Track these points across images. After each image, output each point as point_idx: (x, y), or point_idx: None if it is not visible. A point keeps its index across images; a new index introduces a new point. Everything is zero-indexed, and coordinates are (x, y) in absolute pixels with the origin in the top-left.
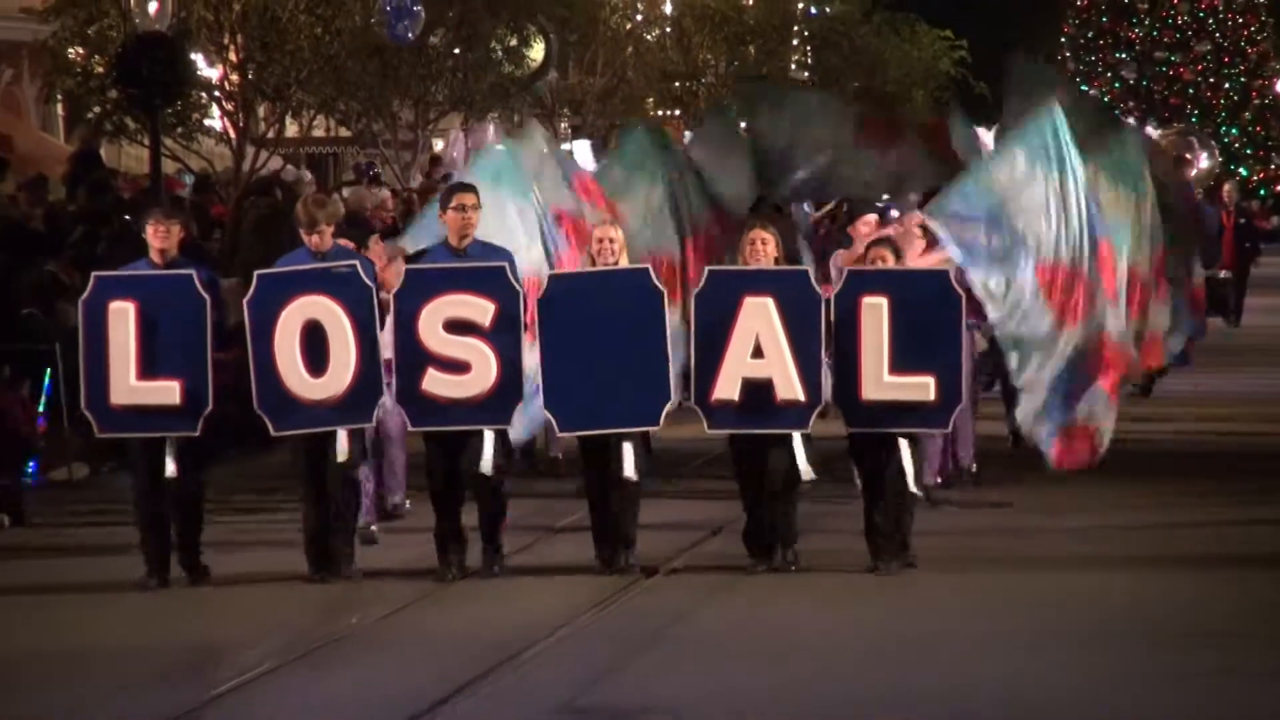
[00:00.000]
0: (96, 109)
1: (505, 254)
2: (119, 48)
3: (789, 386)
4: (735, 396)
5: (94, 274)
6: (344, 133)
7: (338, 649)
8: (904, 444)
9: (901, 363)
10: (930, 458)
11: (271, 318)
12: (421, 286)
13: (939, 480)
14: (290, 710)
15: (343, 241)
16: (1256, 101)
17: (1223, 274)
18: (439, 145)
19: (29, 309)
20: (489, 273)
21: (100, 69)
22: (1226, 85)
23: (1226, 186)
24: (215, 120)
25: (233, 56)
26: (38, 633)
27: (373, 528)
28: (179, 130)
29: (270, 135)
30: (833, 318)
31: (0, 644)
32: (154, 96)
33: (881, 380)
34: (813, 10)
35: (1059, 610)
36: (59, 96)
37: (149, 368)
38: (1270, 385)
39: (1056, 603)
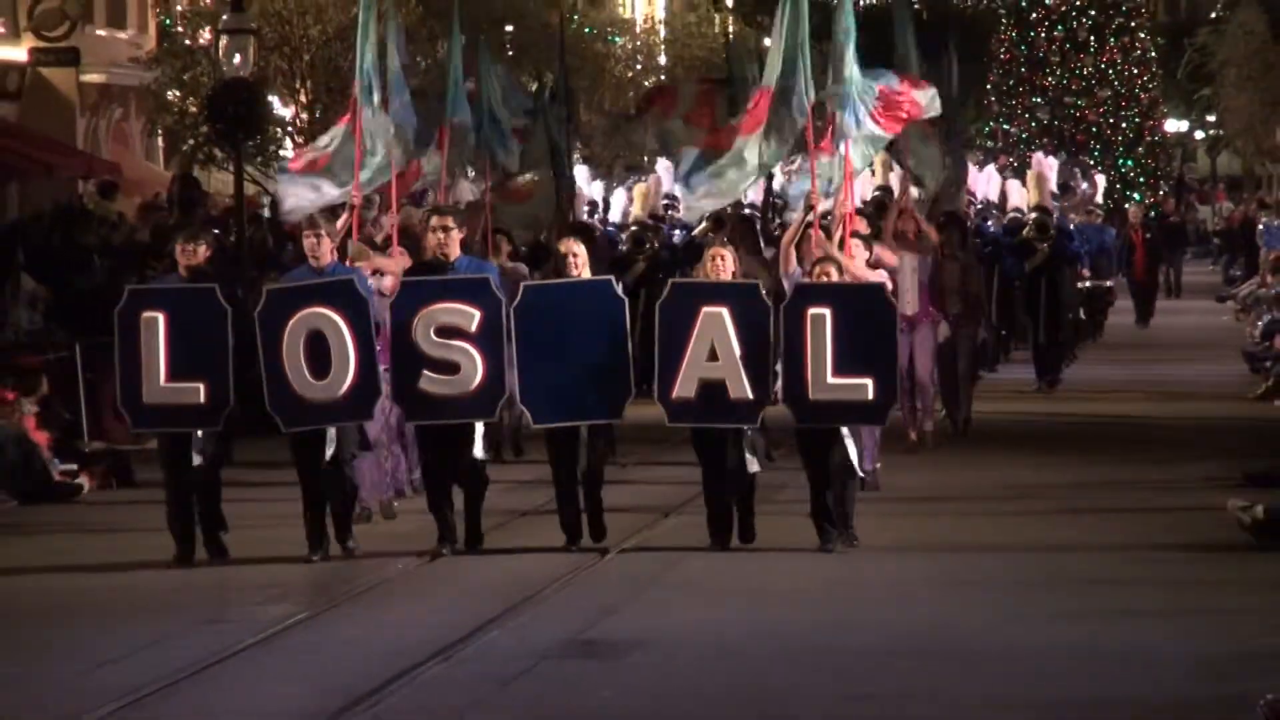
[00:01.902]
0: (191, 142)
1: (490, 267)
2: (209, 91)
3: (740, 386)
4: (692, 395)
5: (127, 287)
6: None
7: (382, 592)
8: (845, 433)
9: (843, 366)
10: (868, 449)
11: (279, 328)
12: (416, 296)
13: (877, 466)
14: (349, 640)
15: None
16: (1148, 139)
17: (1108, 284)
18: (473, 171)
19: None
20: (475, 284)
21: (194, 109)
22: (1124, 125)
23: (1134, 210)
24: (289, 151)
25: (303, 98)
26: (133, 575)
27: (394, 504)
28: (258, 159)
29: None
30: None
31: (96, 584)
32: (238, 132)
33: (826, 382)
34: None
35: (979, 560)
36: (159, 131)
37: (177, 370)
38: (1171, 373)
39: (977, 554)
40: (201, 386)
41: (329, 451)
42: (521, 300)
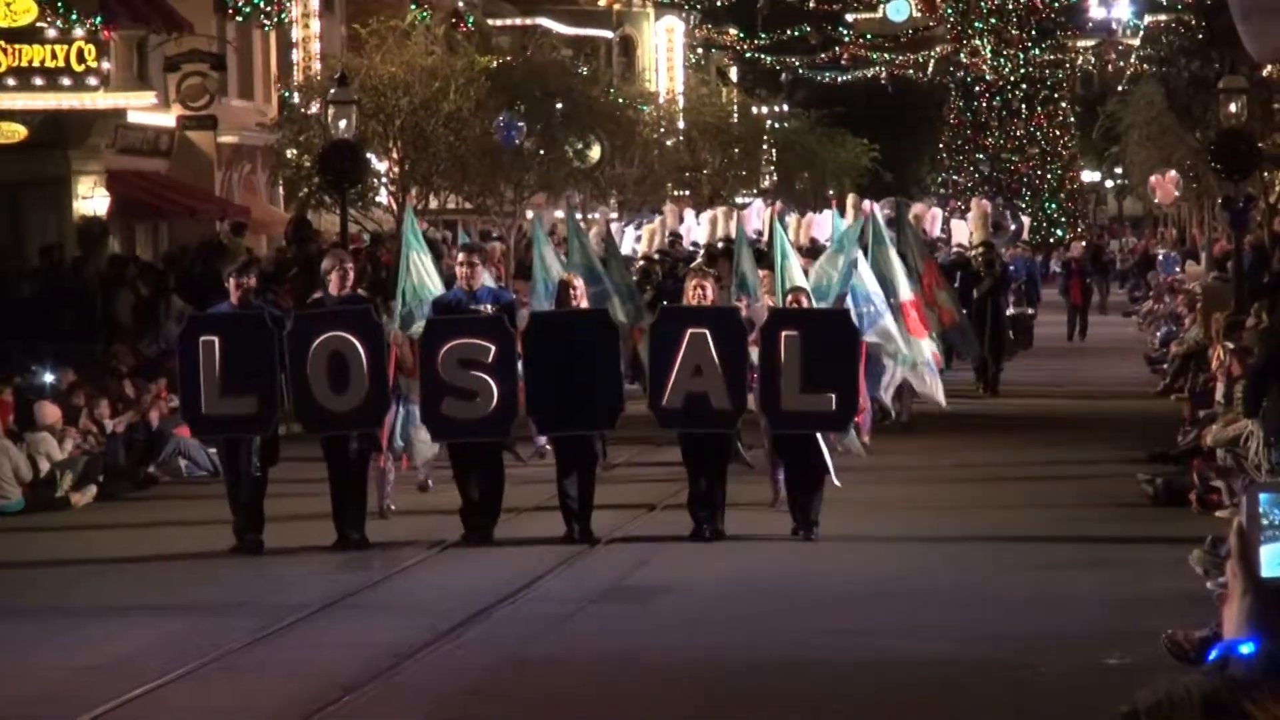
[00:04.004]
0: (305, 190)
1: (508, 296)
2: (320, 150)
3: (720, 398)
4: (680, 405)
5: (188, 314)
6: (468, 206)
7: (448, 557)
8: (823, 445)
9: (810, 381)
10: (865, 427)
11: (305, 347)
12: (441, 332)
13: (867, 440)
14: (434, 586)
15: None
16: (1069, 187)
17: (1029, 310)
18: (529, 214)
19: None
20: (492, 322)
21: (307, 164)
22: (1049, 175)
23: (1076, 247)
24: (383, 197)
25: (394, 155)
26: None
27: (390, 504)
28: (359, 204)
29: (419, 207)
30: (759, 346)
31: (221, 545)
32: (343, 182)
33: (796, 394)
34: (776, 125)
35: (934, 522)
36: (280, 182)
37: (231, 386)
38: (1088, 375)
39: (932, 518)
40: (252, 399)
41: (355, 456)
42: (529, 327)
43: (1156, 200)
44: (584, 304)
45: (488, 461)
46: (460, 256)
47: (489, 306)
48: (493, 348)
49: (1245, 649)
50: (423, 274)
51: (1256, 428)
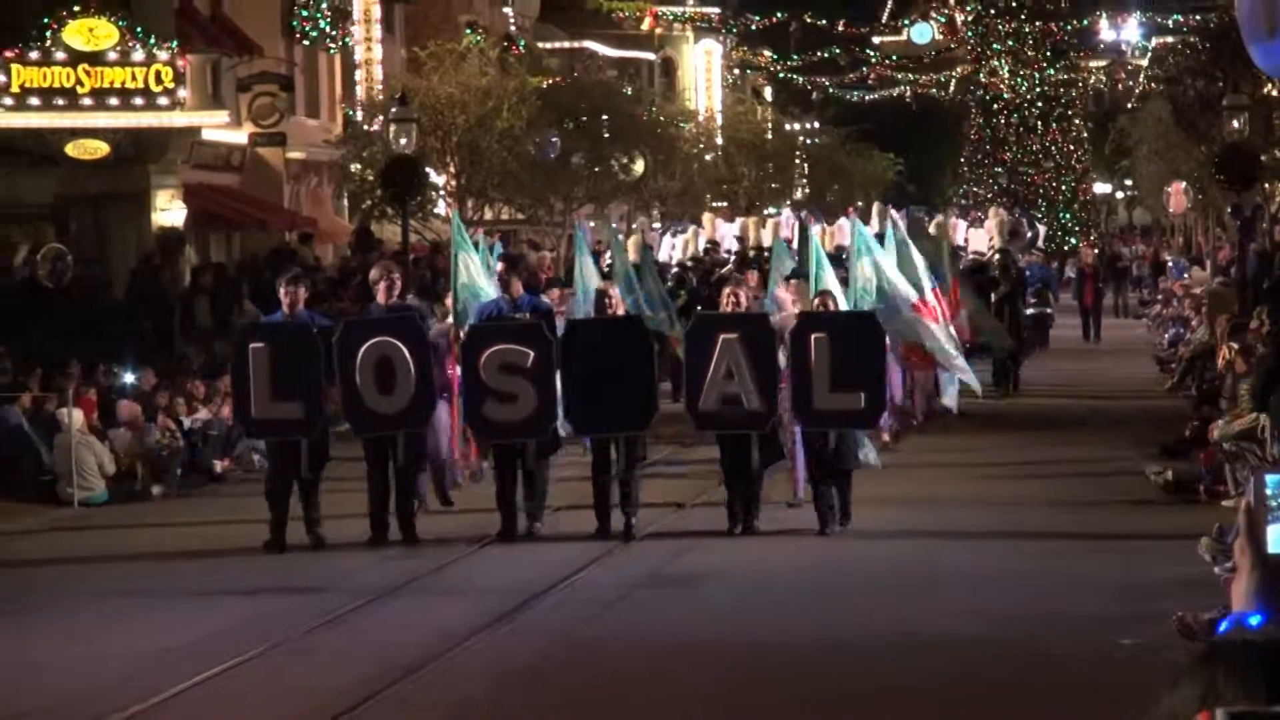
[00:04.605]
0: (368, 202)
1: (545, 304)
2: (382, 164)
3: (751, 400)
4: (714, 407)
5: (239, 324)
6: (520, 216)
7: (498, 548)
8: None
9: (839, 382)
10: (889, 420)
11: (353, 352)
12: (482, 338)
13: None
14: (489, 575)
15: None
16: (1081, 198)
17: (1048, 310)
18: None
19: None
20: (530, 328)
21: (370, 177)
22: (1063, 187)
23: (1087, 253)
24: (441, 209)
25: (452, 169)
26: (329, 525)
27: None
28: (419, 215)
29: (475, 218)
30: (790, 347)
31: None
32: (403, 194)
33: (826, 394)
34: (808, 141)
35: (955, 513)
36: (345, 194)
37: (279, 391)
38: (1102, 374)
39: (953, 509)
40: (298, 404)
41: (401, 458)
42: (567, 333)
43: (1170, 210)
44: (620, 311)
45: (530, 461)
46: (500, 266)
47: (528, 314)
48: (531, 353)
49: (1253, 621)
50: (473, 274)
51: (1268, 421)
